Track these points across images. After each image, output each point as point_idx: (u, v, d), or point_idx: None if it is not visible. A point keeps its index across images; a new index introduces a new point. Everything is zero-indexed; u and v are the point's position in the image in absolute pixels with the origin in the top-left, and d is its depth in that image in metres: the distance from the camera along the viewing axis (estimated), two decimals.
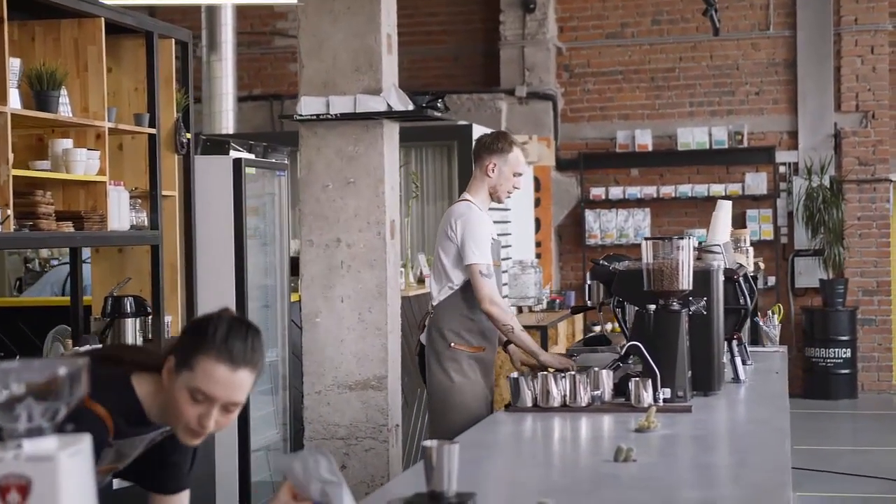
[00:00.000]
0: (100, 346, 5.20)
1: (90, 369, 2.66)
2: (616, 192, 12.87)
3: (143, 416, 2.66)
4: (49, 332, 5.93)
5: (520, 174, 5.31)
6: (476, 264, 5.07)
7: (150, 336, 5.57)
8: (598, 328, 12.26)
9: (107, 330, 5.35)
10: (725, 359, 4.89)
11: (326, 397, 5.71)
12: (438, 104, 6.16)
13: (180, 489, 2.91)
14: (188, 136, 5.93)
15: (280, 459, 2.52)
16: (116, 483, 4.58)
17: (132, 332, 5.40)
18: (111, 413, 2.59)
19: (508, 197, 5.39)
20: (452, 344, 5.15)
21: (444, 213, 9.93)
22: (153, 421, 2.68)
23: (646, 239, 4.44)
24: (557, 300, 10.70)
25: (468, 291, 5.13)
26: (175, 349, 2.60)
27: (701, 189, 12.65)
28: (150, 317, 5.56)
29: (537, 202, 12.27)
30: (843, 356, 12.23)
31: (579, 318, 11.29)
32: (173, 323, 5.82)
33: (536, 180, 12.20)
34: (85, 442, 1.75)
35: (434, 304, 5.24)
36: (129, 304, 5.40)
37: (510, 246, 10.33)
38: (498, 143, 5.28)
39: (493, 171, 5.24)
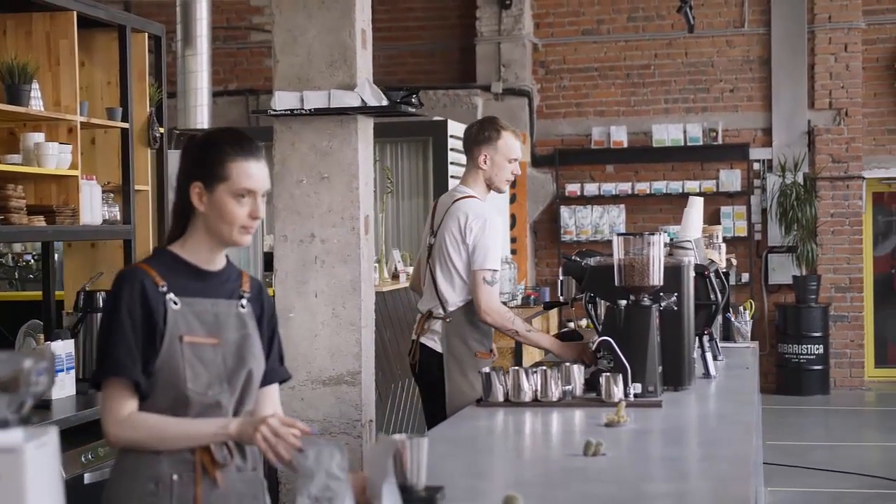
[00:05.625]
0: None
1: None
2: (591, 188, 12.91)
3: (190, 265, 2.85)
4: (21, 326, 5.90)
5: (515, 159, 5.06)
6: (480, 271, 4.88)
7: None
8: (572, 324, 12.31)
9: (79, 324, 5.32)
10: (696, 354, 4.92)
11: (300, 393, 5.70)
12: (413, 100, 6.15)
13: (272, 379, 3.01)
14: (161, 130, 5.91)
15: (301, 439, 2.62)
16: (88, 477, 4.59)
17: None
18: (150, 265, 2.82)
19: (508, 184, 5.17)
20: (477, 353, 4.99)
21: (420, 208, 10.02)
22: (204, 268, 2.86)
23: (617, 235, 4.45)
24: (533, 296, 10.72)
25: None
26: (193, 177, 2.83)
27: (676, 186, 12.70)
28: None
29: (512, 198, 12.29)
30: (816, 352, 12.30)
31: (554, 313, 11.32)
32: None
33: None
34: (51, 435, 1.76)
35: (450, 308, 5.01)
36: (101, 299, 5.37)
37: None
38: (484, 132, 5.05)
39: (485, 162, 5.04)
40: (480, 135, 5.06)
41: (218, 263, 2.91)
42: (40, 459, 1.72)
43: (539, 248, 13.16)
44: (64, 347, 4.91)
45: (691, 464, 3.39)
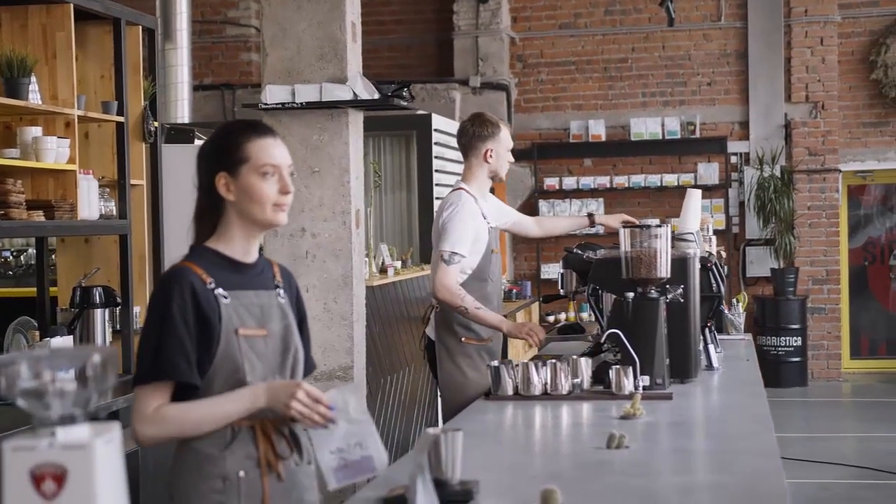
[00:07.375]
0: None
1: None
2: (570, 182, 12.92)
3: (229, 259, 2.84)
4: (3, 324, 5.80)
5: (511, 148, 5.38)
6: (441, 251, 5.02)
7: (118, 327, 5.49)
8: (551, 318, 12.32)
9: (75, 321, 5.26)
10: (700, 346, 4.92)
11: None
12: (404, 93, 6.14)
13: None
14: (155, 124, 5.86)
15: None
16: None
17: (101, 322, 5.32)
18: (194, 263, 2.80)
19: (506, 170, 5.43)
20: (463, 339, 5.12)
21: (404, 202, 10.00)
22: (241, 260, 2.85)
23: (624, 226, 4.45)
24: (514, 290, 10.73)
25: (472, 283, 5.06)
26: (216, 170, 2.83)
27: (654, 179, 12.73)
28: (118, 307, 5.48)
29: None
30: (794, 344, 12.37)
31: (535, 307, 11.33)
32: (142, 313, 5.74)
33: None
34: (116, 430, 1.73)
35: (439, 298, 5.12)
36: (97, 295, 5.31)
37: None
38: (487, 128, 5.26)
39: (490, 156, 5.26)
40: (483, 131, 5.26)
41: (253, 255, 2.90)
42: (108, 455, 1.69)
43: (518, 243, 13.14)
44: (62, 344, 4.85)
45: (717, 456, 3.37)
